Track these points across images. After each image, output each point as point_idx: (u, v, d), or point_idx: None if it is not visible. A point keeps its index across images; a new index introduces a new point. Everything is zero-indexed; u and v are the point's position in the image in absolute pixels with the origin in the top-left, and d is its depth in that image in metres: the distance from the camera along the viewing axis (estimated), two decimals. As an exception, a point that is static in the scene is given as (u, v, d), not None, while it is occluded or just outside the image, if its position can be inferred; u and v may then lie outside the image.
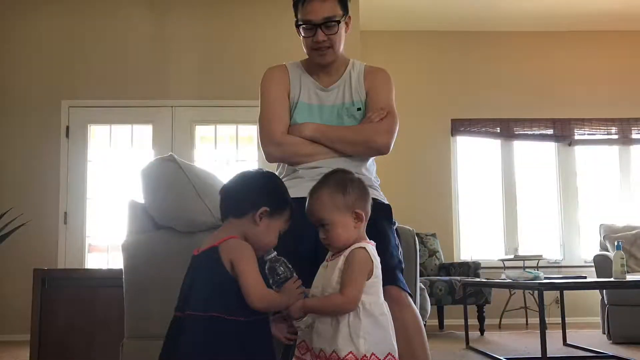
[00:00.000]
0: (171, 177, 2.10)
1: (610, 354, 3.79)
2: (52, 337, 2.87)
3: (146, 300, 2.10)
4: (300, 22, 2.00)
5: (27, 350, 2.91)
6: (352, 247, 1.45)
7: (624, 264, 3.80)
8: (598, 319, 5.08)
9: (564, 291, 4.57)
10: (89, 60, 5.58)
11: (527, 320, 5.74)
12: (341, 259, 1.44)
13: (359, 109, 2.06)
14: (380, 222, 1.78)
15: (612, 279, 3.85)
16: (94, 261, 5.39)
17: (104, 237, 5.41)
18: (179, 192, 2.08)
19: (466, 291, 4.82)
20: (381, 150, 2.00)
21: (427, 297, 4.44)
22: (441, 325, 5.59)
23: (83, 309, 2.90)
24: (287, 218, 1.51)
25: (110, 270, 3.01)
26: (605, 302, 4.59)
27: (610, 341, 4.46)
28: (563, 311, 4.52)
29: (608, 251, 4.93)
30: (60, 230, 5.31)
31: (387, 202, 1.98)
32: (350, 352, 1.37)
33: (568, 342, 4.30)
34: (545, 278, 3.84)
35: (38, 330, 2.87)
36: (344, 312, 1.40)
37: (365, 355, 1.38)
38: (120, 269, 2.17)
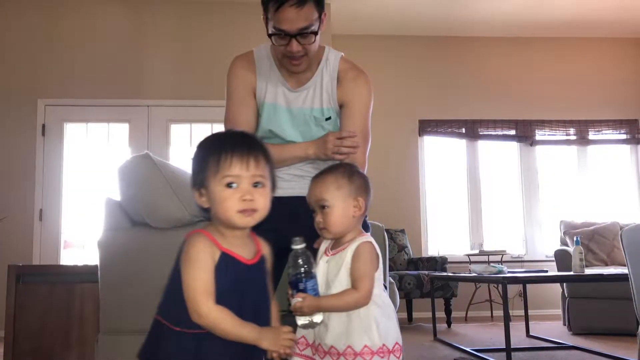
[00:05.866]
0: (147, 174, 2.11)
1: (570, 344, 3.94)
2: (26, 332, 2.85)
3: (121, 296, 2.10)
4: (273, 31, 1.81)
5: (1, 347, 2.93)
6: (359, 240, 1.44)
7: (583, 258, 3.98)
8: (559, 311, 5.29)
9: (527, 284, 4.75)
10: (64, 59, 5.56)
11: (492, 313, 5.93)
12: (348, 254, 1.43)
13: (328, 119, 1.94)
14: None
15: (571, 273, 4.03)
16: (69, 257, 5.37)
17: (79, 234, 5.41)
18: (154, 188, 2.09)
19: (434, 285, 4.96)
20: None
21: (397, 291, 4.58)
22: (410, 318, 5.73)
23: (58, 305, 2.89)
24: (216, 169, 1.27)
25: (85, 267, 2.95)
26: (566, 294, 4.78)
27: (571, 332, 4.65)
28: (526, 304, 4.70)
29: (568, 246, 5.14)
30: (36, 227, 5.29)
31: None
32: (366, 345, 1.37)
33: (531, 333, 4.46)
34: (509, 272, 4.01)
35: (12, 326, 2.88)
36: (360, 307, 1.39)
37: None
38: (96, 265, 2.17)
